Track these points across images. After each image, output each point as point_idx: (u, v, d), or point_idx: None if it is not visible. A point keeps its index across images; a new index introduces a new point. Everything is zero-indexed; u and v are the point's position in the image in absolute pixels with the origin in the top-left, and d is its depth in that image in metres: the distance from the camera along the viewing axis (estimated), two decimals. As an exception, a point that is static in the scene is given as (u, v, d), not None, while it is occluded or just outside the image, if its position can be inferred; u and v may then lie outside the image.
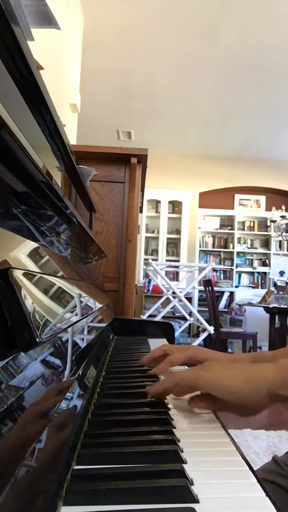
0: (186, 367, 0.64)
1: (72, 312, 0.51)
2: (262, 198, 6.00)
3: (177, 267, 5.17)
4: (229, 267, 5.88)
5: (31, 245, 0.43)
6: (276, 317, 4.08)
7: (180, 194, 5.62)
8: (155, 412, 0.45)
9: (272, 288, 4.51)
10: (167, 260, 5.57)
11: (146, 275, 5.08)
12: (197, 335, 4.76)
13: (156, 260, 5.45)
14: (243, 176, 5.79)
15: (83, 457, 0.32)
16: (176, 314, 4.83)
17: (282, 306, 4.07)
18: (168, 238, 5.63)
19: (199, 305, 5.51)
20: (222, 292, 5.56)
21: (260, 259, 5.96)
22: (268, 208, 5.70)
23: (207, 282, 3.93)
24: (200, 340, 3.48)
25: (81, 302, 0.60)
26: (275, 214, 5.06)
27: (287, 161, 5.69)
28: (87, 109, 3.78)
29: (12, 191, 0.41)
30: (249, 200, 6.03)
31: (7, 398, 0.24)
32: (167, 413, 0.44)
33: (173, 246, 5.77)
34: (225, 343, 4.33)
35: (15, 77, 0.43)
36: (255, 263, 5.92)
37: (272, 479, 0.57)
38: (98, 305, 0.81)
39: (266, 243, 6.00)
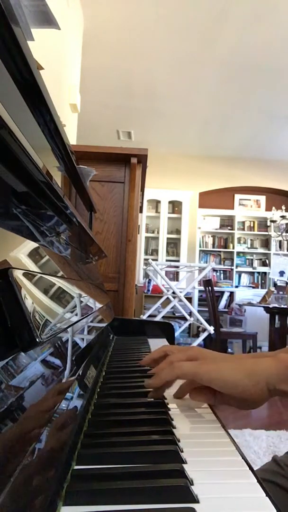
0: None
1: (72, 312, 0.51)
2: (262, 198, 6.00)
3: (177, 267, 5.17)
4: (229, 267, 5.88)
5: (31, 245, 0.43)
6: (276, 317, 4.08)
7: (180, 194, 5.62)
8: (155, 412, 0.45)
9: (272, 288, 4.51)
10: (167, 260, 5.57)
11: (146, 275, 5.08)
12: (197, 335, 4.76)
13: (156, 260, 5.45)
14: (243, 176, 5.79)
15: (83, 457, 0.32)
16: (176, 314, 4.83)
17: (282, 306, 4.07)
18: (168, 238, 5.63)
19: (199, 305, 5.51)
20: (222, 292, 5.56)
21: (260, 259, 5.96)
22: (268, 208, 5.70)
23: (207, 282, 3.93)
24: (200, 340, 3.48)
25: (81, 302, 0.60)
26: (275, 214, 5.06)
27: (287, 161, 5.69)
28: (87, 109, 3.78)
29: (12, 191, 0.41)
30: (249, 200, 6.03)
31: (7, 398, 0.24)
32: (167, 413, 0.44)
33: (173, 246, 5.77)
34: (225, 343, 4.33)
35: (15, 77, 0.43)
36: (255, 263, 5.92)
37: (272, 479, 0.57)
38: (98, 305, 0.81)
39: (266, 243, 6.00)
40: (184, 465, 0.31)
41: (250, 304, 4.60)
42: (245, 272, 5.91)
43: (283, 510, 0.27)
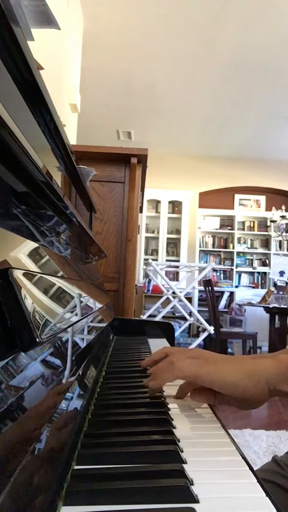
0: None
1: (72, 312, 0.51)
2: (262, 198, 6.00)
3: (177, 267, 5.17)
4: (229, 267, 5.88)
5: (31, 245, 0.43)
6: (276, 317, 4.08)
7: (180, 194, 5.62)
8: (155, 412, 0.45)
9: (272, 288, 4.51)
10: (167, 260, 5.57)
11: (146, 275, 5.08)
12: (197, 335, 4.76)
13: (156, 260, 5.45)
14: (243, 176, 5.79)
15: (83, 457, 0.32)
16: (176, 314, 4.83)
17: (282, 306, 4.07)
18: (168, 238, 5.63)
19: (199, 305, 5.51)
20: (222, 292, 5.56)
21: (260, 259, 5.96)
22: (268, 208, 5.70)
23: (207, 282, 3.93)
24: (200, 340, 3.48)
25: (81, 302, 0.60)
26: (275, 214, 5.06)
27: (287, 161, 5.69)
28: (87, 109, 3.78)
29: (12, 191, 0.41)
30: (249, 200, 6.03)
31: (7, 398, 0.24)
32: (167, 413, 0.44)
33: (173, 246, 5.77)
34: (225, 343, 4.33)
35: (15, 77, 0.43)
36: (255, 263, 5.92)
37: (272, 479, 0.57)
38: (98, 305, 0.81)
39: (266, 243, 6.00)
40: (184, 465, 0.31)
41: (250, 304, 4.60)
42: (245, 272, 5.91)
43: (283, 510, 0.27)
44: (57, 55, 2.42)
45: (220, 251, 6.00)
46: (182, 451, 0.34)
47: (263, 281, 5.88)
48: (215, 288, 4.66)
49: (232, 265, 5.87)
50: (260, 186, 5.82)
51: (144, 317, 3.46)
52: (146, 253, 5.69)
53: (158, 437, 0.38)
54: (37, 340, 0.30)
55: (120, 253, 1.80)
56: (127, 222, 1.81)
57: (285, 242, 5.79)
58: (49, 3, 0.58)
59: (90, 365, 0.54)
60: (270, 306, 4.09)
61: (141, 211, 2.69)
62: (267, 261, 5.87)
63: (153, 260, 4.32)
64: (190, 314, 3.58)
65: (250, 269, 5.89)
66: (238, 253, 5.89)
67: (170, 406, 0.48)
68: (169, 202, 5.67)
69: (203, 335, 3.37)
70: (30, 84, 0.47)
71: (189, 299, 5.06)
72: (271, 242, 5.86)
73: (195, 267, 4.26)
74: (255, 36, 3.16)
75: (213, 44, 3.30)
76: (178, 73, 3.75)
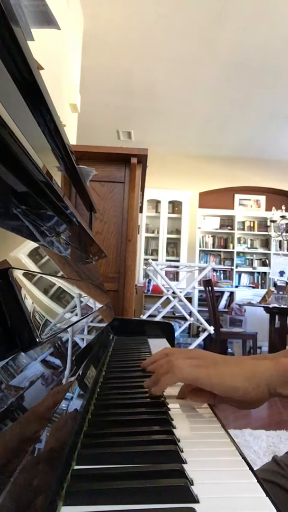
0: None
1: (72, 312, 0.51)
2: (262, 198, 6.00)
3: (177, 267, 5.17)
4: (229, 267, 5.88)
5: (31, 245, 0.43)
6: (276, 317, 4.08)
7: (180, 194, 5.62)
8: (155, 412, 0.45)
9: (272, 288, 4.51)
10: (167, 260, 5.57)
11: (146, 275, 5.08)
12: (197, 335, 4.76)
13: (156, 260, 5.45)
14: (243, 176, 5.79)
15: (83, 457, 0.32)
16: (176, 314, 4.83)
17: (282, 306, 4.07)
18: (168, 238, 5.63)
19: (199, 305, 5.51)
20: (222, 292, 5.56)
21: (260, 259, 5.96)
22: (268, 208, 5.70)
23: (207, 282, 3.93)
24: (200, 340, 3.48)
25: (81, 302, 0.60)
26: (275, 214, 5.06)
27: (287, 161, 5.69)
28: (87, 109, 3.78)
29: (12, 191, 0.41)
30: (249, 200, 6.03)
31: (7, 398, 0.24)
32: (167, 413, 0.44)
33: (173, 246, 5.77)
34: (225, 343, 4.33)
35: (15, 77, 0.43)
36: (255, 263, 5.92)
37: (272, 479, 0.57)
38: (98, 305, 0.81)
39: (266, 243, 6.00)
40: (184, 465, 0.31)
41: (250, 304, 4.60)
42: (245, 272, 5.91)
43: (283, 510, 0.27)
44: (57, 55, 2.42)
45: (220, 251, 6.00)
46: (182, 451, 0.34)
47: (263, 281, 5.88)
48: (215, 288, 4.66)
49: (232, 265, 5.87)
50: (260, 186, 5.82)
51: (144, 317, 3.46)
52: (146, 253, 5.69)
53: (158, 437, 0.38)
54: (37, 340, 0.30)
55: (120, 253, 1.80)
56: (127, 222, 1.81)
57: (285, 242, 5.79)
58: (49, 3, 0.58)
59: (90, 365, 0.54)
60: (270, 306, 4.09)
61: (141, 211, 2.69)
62: (267, 261, 5.87)
63: (153, 260, 4.32)
64: (190, 314, 3.58)
65: (250, 269, 5.89)
66: (238, 253, 5.89)
67: (170, 406, 0.48)
68: (169, 202, 5.67)
69: (203, 335, 3.37)
70: (30, 84, 0.47)
71: (189, 299, 5.06)
72: (271, 242, 5.86)
73: (195, 267, 4.26)
74: (255, 36, 3.16)
75: (213, 44, 3.30)
76: (178, 73, 3.75)
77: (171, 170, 5.69)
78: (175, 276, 5.50)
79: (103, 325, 0.83)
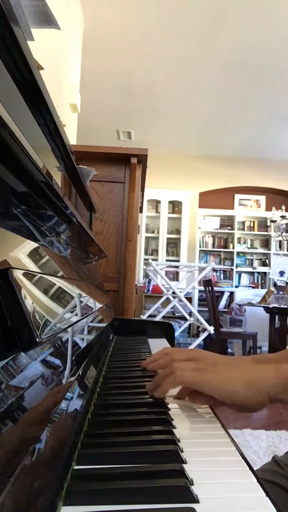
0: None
1: (72, 312, 0.51)
2: (262, 198, 6.00)
3: (177, 267, 5.17)
4: (229, 267, 5.88)
5: (31, 245, 0.43)
6: (276, 317, 4.08)
7: (180, 194, 5.62)
8: (155, 412, 0.45)
9: (272, 288, 4.51)
10: (167, 260, 5.57)
11: (146, 275, 5.08)
12: (197, 335, 4.76)
13: (156, 260, 5.45)
14: (243, 176, 5.79)
15: (83, 457, 0.32)
16: (176, 314, 4.83)
17: (282, 306, 4.07)
18: (168, 238, 5.63)
19: (199, 305, 5.51)
20: (222, 292, 5.56)
21: (260, 259, 5.96)
22: (268, 208, 5.70)
23: (207, 282, 3.93)
24: (200, 340, 3.48)
25: (81, 302, 0.60)
26: (275, 214, 5.06)
27: (287, 161, 5.69)
28: (87, 109, 3.78)
29: (12, 191, 0.41)
30: (249, 200, 6.03)
31: (7, 398, 0.24)
32: (167, 413, 0.44)
33: (173, 246, 5.77)
34: (225, 343, 4.33)
35: (15, 77, 0.43)
36: (255, 263, 5.92)
37: (272, 479, 0.57)
38: (98, 305, 0.81)
39: (266, 243, 6.00)
40: (184, 465, 0.31)
41: (250, 304, 4.60)
42: (245, 272, 5.91)
43: (283, 510, 0.27)
44: (57, 55, 2.42)
45: (220, 251, 6.00)
46: (182, 451, 0.34)
47: (263, 281, 5.88)
48: (215, 288, 4.66)
49: (232, 265, 5.87)
50: (260, 186, 5.82)
51: (144, 317, 3.46)
52: (146, 253, 5.69)
53: (158, 437, 0.38)
54: (37, 340, 0.30)
55: (120, 253, 1.80)
56: (127, 222, 1.81)
57: (285, 242, 5.80)
58: (49, 3, 0.58)
59: (90, 365, 0.54)
60: (270, 306, 4.09)
61: (141, 211, 2.69)
62: (267, 261, 5.87)
63: (153, 260, 4.32)
64: (190, 314, 3.58)
65: (250, 269, 5.88)
66: (238, 253, 5.89)
67: (170, 406, 0.48)
68: (169, 202, 5.67)
69: (203, 335, 3.37)
70: (30, 84, 0.47)
71: (189, 299, 5.06)
72: (271, 242, 5.86)
73: (195, 267, 4.26)
74: (255, 36, 3.16)
75: (213, 44, 3.30)
76: (178, 73, 3.75)
77: (171, 170, 5.69)
78: (175, 276, 5.50)
79: (103, 325, 0.83)
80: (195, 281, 3.53)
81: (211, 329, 3.18)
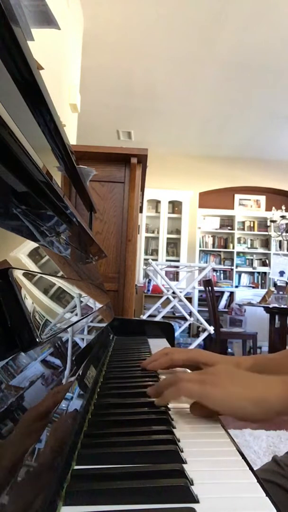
0: (188, 370, 0.64)
1: (72, 312, 0.51)
2: (262, 198, 6.00)
3: (177, 267, 5.17)
4: (229, 267, 5.88)
5: (31, 245, 0.43)
6: (276, 317, 4.08)
7: (180, 194, 5.62)
8: (155, 412, 0.45)
9: (272, 288, 4.51)
10: (167, 260, 5.57)
11: (146, 275, 5.08)
12: (197, 335, 4.76)
13: (156, 260, 5.45)
14: (243, 176, 5.79)
15: (83, 457, 0.32)
16: (176, 314, 4.83)
17: (282, 306, 4.07)
18: (168, 238, 5.63)
19: (199, 305, 5.51)
20: (222, 292, 5.56)
21: (260, 259, 5.96)
22: (268, 208, 5.70)
23: (207, 282, 3.93)
24: (200, 340, 3.49)
25: (81, 302, 0.60)
26: (275, 214, 5.06)
27: (287, 161, 5.69)
28: (87, 109, 3.78)
29: (12, 191, 0.41)
30: (249, 200, 6.03)
31: (7, 398, 0.24)
32: (167, 413, 0.44)
33: (173, 246, 5.77)
34: (225, 343, 4.33)
35: (15, 77, 0.43)
36: (255, 263, 5.92)
37: (272, 479, 0.57)
38: (98, 305, 0.81)
39: (266, 243, 6.00)
40: (184, 465, 0.31)
41: (250, 304, 4.60)
42: (245, 272, 5.91)
43: (283, 510, 0.27)
44: (57, 55, 2.42)
45: (220, 251, 6.00)
46: (182, 451, 0.34)
47: (263, 281, 5.88)
48: (215, 288, 4.66)
49: (232, 265, 5.87)
50: (260, 186, 5.82)
51: (144, 317, 3.46)
52: (146, 253, 5.69)
53: (158, 437, 0.38)
54: (37, 340, 0.30)
55: (120, 253, 1.80)
56: (127, 222, 1.81)
57: (285, 242, 5.80)
58: (49, 3, 0.58)
59: (90, 365, 0.54)
60: (270, 306, 4.09)
61: (141, 211, 2.69)
62: (267, 261, 5.87)
63: (153, 260, 4.32)
64: (190, 314, 3.58)
65: (250, 269, 5.89)
66: (238, 253, 5.89)
67: (170, 406, 0.48)
68: (169, 202, 5.67)
69: (203, 335, 3.37)
70: (30, 84, 0.47)
71: (189, 299, 5.06)
72: (271, 242, 5.86)
73: (195, 267, 4.26)
74: (255, 36, 3.16)
75: (213, 44, 3.30)
76: (178, 73, 3.75)
77: (171, 170, 5.69)
78: (175, 276, 5.50)
79: (103, 325, 0.83)
80: (195, 281, 3.53)
81: (211, 329, 3.18)
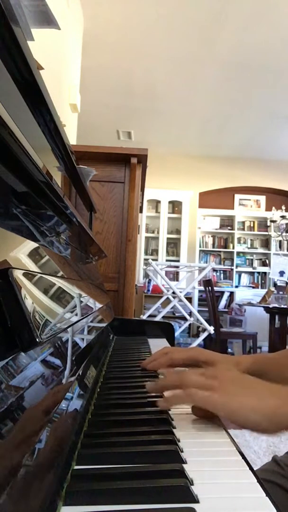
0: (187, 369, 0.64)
1: (72, 312, 0.51)
2: (262, 198, 6.00)
3: (177, 267, 5.17)
4: (229, 267, 5.88)
5: (31, 245, 0.43)
6: (276, 317, 4.08)
7: (180, 194, 5.62)
8: (155, 412, 0.45)
9: (272, 288, 4.51)
10: (167, 260, 5.57)
11: (146, 275, 5.08)
12: (197, 335, 4.76)
13: (156, 260, 5.45)
14: (243, 176, 5.79)
15: (83, 457, 0.32)
16: (176, 314, 4.83)
17: (282, 306, 4.07)
18: (168, 238, 5.63)
19: (199, 305, 5.51)
20: (222, 292, 5.56)
21: (260, 259, 5.96)
22: (268, 208, 5.70)
23: (207, 282, 3.93)
24: (200, 340, 3.49)
25: (81, 302, 0.60)
26: (275, 214, 5.06)
27: (287, 161, 5.69)
28: (87, 109, 3.78)
29: (12, 191, 0.41)
30: (249, 200, 6.03)
31: (7, 398, 0.24)
32: (167, 413, 0.44)
33: (173, 246, 5.77)
34: (225, 343, 4.33)
35: (15, 77, 0.43)
36: (255, 263, 5.92)
37: (272, 479, 0.57)
38: (98, 305, 0.81)
39: (266, 243, 6.00)
40: (184, 465, 0.31)
41: (250, 304, 4.60)
42: (245, 272, 5.91)
43: (283, 510, 0.27)
44: (57, 55, 2.42)
45: (220, 251, 6.00)
46: (182, 451, 0.34)
47: (263, 281, 5.88)
48: (215, 288, 4.66)
49: (232, 265, 5.87)
50: (260, 186, 5.82)
51: (144, 317, 3.46)
52: (146, 253, 5.69)
53: (158, 437, 0.38)
54: (37, 340, 0.30)
55: (120, 253, 1.80)
56: (127, 222, 1.81)
57: (285, 242, 5.80)
58: (49, 3, 0.58)
59: (90, 365, 0.54)
60: (270, 306, 4.09)
61: (141, 211, 2.69)
62: (267, 261, 5.87)
63: (153, 260, 4.32)
64: (190, 314, 3.58)
65: (250, 269, 5.88)
66: (238, 253, 5.89)
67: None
68: (169, 202, 5.66)
69: (203, 335, 3.37)
70: (30, 84, 0.47)
71: (189, 299, 5.06)
72: (271, 242, 5.86)
73: (195, 267, 4.26)
74: (255, 36, 3.16)
75: (213, 44, 3.30)
76: (178, 73, 3.75)
77: (171, 170, 5.69)
78: (175, 276, 5.50)
79: (103, 325, 0.83)
80: (195, 281, 3.53)
81: (211, 329, 3.18)
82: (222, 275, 5.89)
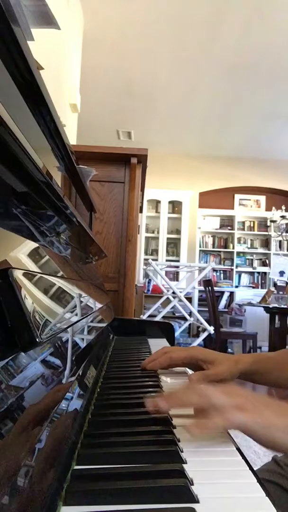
0: (189, 371, 0.64)
1: (72, 312, 0.51)
2: (262, 198, 6.00)
3: (177, 267, 5.17)
4: (229, 267, 5.88)
5: (31, 245, 0.43)
6: (276, 317, 4.08)
7: (180, 194, 5.62)
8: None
9: (272, 288, 4.51)
10: (167, 260, 5.57)
11: (146, 275, 5.08)
12: (197, 335, 4.76)
13: (156, 260, 5.45)
14: (243, 176, 5.79)
15: (83, 457, 0.32)
16: (176, 314, 4.83)
17: (282, 306, 4.07)
18: (168, 238, 5.63)
19: (199, 305, 5.51)
20: (222, 292, 5.56)
21: (260, 259, 5.96)
22: (268, 208, 5.70)
23: (207, 282, 3.93)
24: (200, 340, 3.49)
25: (81, 302, 0.60)
26: (275, 214, 5.06)
27: (287, 161, 5.69)
28: (87, 109, 3.78)
29: (12, 191, 0.41)
30: (249, 200, 6.03)
31: (7, 398, 0.24)
32: (167, 412, 0.44)
33: (173, 246, 5.77)
34: (225, 343, 4.33)
35: (15, 77, 0.43)
36: (255, 263, 5.92)
37: (272, 479, 0.58)
38: (98, 305, 0.81)
39: (266, 243, 6.00)
40: (184, 465, 0.31)
41: (250, 304, 4.60)
42: (245, 272, 5.91)
43: (283, 510, 0.27)
44: (57, 55, 2.42)
45: (220, 251, 6.00)
46: (182, 451, 0.34)
47: (263, 281, 5.88)
48: (215, 288, 4.66)
49: (232, 265, 5.87)
50: (260, 186, 5.82)
51: (144, 317, 3.46)
52: (146, 253, 5.69)
53: (158, 437, 0.38)
54: (37, 340, 0.30)
55: (120, 253, 1.80)
56: (127, 222, 1.81)
57: (285, 242, 5.79)
58: (49, 3, 0.58)
59: (90, 365, 0.54)
60: (270, 306, 4.09)
61: (141, 211, 2.69)
62: (267, 261, 5.87)
63: (153, 260, 4.32)
64: (190, 314, 3.58)
65: (250, 269, 5.88)
66: (238, 253, 5.89)
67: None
68: (169, 202, 5.66)
69: (203, 335, 3.37)
70: (30, 84, 0.47)
71: (189, 299, 5.06)
72: (271, 242, 5.86)
73: (195, 267, 4.26)
74: (255, 36, 3.16)
75: (213, 44, 3.30)
76: (178, 73, 3.75)
77: (171, 170, 5.69)
78: (175, 276, 5.50)
79: (103, 325, 0.83)
80: (195, 281, 3.53)
81: (211, 329, 3.18)
82: (222, 275, 5.89)
